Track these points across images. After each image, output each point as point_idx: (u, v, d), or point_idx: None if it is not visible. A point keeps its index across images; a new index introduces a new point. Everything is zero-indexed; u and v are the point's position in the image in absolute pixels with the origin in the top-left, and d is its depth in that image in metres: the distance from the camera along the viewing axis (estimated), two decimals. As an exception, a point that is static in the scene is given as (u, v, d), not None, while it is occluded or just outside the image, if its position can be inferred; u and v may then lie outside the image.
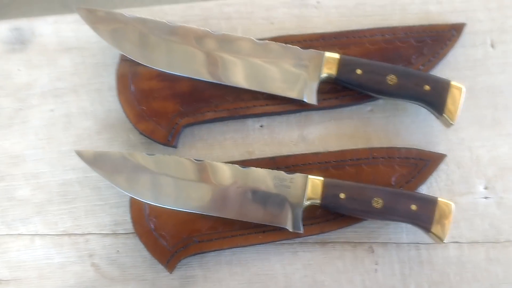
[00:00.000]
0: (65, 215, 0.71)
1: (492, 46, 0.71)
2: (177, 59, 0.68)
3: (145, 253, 0.67)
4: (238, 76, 0.68)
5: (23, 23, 0.75)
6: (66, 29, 0.74)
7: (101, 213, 0.71)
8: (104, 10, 0.69)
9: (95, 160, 0.66)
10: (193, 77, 0.68)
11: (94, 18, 0.69)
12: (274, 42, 0.68)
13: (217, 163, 0.66)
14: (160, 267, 0.67)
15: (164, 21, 0.69)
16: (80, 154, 0.66)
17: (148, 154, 0.66)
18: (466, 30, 0.71)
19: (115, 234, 0.70)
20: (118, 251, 0.70)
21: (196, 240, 0.66)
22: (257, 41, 0.68)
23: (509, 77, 0.71)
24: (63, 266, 0.70)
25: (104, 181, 0.68)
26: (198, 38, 0.68)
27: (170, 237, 0.66)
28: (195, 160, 0.66)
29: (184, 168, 0.66)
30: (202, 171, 0.65)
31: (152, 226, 0.66)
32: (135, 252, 0.69)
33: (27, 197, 0.71)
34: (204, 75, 0.68)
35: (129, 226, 0.68)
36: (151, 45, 0.68)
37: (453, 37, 0.69)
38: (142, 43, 0.68)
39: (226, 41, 0.68)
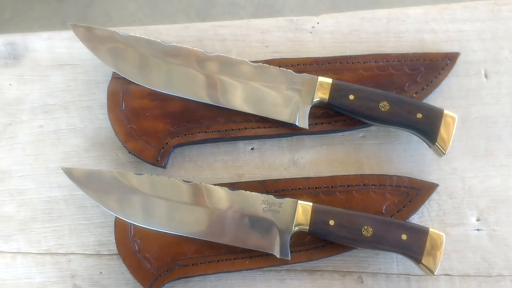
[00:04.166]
0: (48, 233, 0.69)
1: (486, 76, 0.71)
2: (176, 81, 0.68)
3: (129, 275, 0.66)
4: (236, 98, 0.67)
5: (17, 38, 0.75)
6: (59, 45, 0.74)
7: (86, 232, 0.69)
8: (100, 28, 0.69)
9: (83, 179, 0.65)
10: (191, 98, 0.68)
11: (90, 37, 0.69)
12: (267, 65, 0.68)
13: (208, 185, 0.65)
14: (143, 290, 0.65)
15: (158, 40, 0.69)
16: (68, 172, 0.65)
17: (135, 174, 0.65)
18: (460, 60, 0.71)
19: (98, 254, 0.69)
20: (101, 272, 0.68)
21: (181, 263, 0.65)
22: (251, 63, 0.68)
23: (503, 108, 0.70)
24: (44, 286, 0.68)
25: (90, 200, 0.67)
26: (196, 60, 0.68)
27: (154, 259, 0.64)
28: (184, 181, 0.65)
29: (176, 190, 0.64)
30: (194, 193, 0.64)
31: (136, 247, 0.65)
32: (119, 274, 0.68)
33: (11, 213, 0.70)
34: (203, 97, 0.67)
35: (114, 247, 0.67)
36: (149, 66, 0.68)
37: (447, 66, 0.69)
38: (140, 64, 0.68)
39: (223, 64, 0.68)
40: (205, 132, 0.68)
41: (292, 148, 0.70)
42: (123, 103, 0.69)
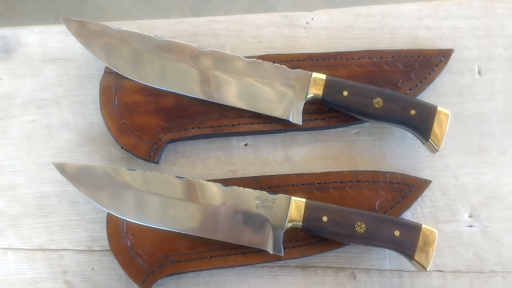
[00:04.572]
0: (40, 229, 0.69)
1: (479, 73, 0.71)
2: (169, 76, 0.67)
3: (121, 271, 0.65)
4: (230, 94, 0.67)
5: (9, 32, 0.74)
6: (51, 39, 0.74)
7: (77, 228, 0.69)
8: (93, 23, 0.69)
9: (75, 175, 0.64)
10: (184, 94, 0.67)
11: (83, 31, 0.69)
12: (261, 60, 0.68)
13: (202, 180, 0.64)
14: (136, 286, 0.65)
15: (151, 35, 0.69)
16: (59, 167, 0.65)
17: (128, 169, 0.65)
18: (453, 57, 0.71)
19: (90, 250, 0.68)
20: (93, 268, 0.68)
21: (173, 260, 0.64)
22: (245, 59, 0.68)
23: (496, 105, 0.70)
24: (35, 283, 0.68)
25: (82, 196, 0.66)
26: (189, 55, 0.68)
27: (147, 255, 0.64)
28: (177, 176, 0.65)
29: (169, 186, 0.64)
30: (187, 189, 0.64)
31: (129, 243, 0.64)
32: (111, 270, 0.67)
33: (1, 209, 0.70)
34: (196, 93, 0.67)
35: (106, 243, 0.66)
36: (142, 61, 0.68)
37: (441, 63, 0.69)
38: (133, 59, 0.68)
39: (217, 59, 0.68)
40: (199, 127, 0.68)
41: (286, 144, 0.70)
42: (116, 98, 0.68)
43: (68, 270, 0.68)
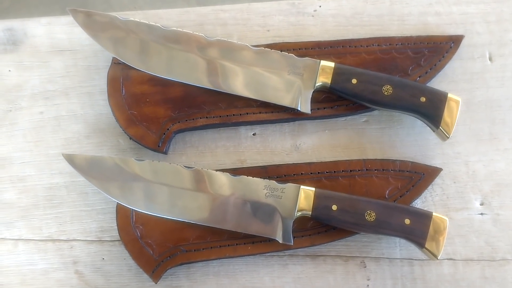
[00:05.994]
0: (50, 220, 0.69)
1: (490, 59, 0.70)
2: (177, 66, 0.67)
3: (131, 261, 0.66)
4: (238, 83, 0.67)
5: (16, 23, 0.74)
6: (59, 30, 0.73)
7: (87, 219, 0.69)
8: (99, 13, 0.68)
9: (84, 166, 0.65)
10: (192, 84, 0.67)
11: (90, 22, 0.68)
12: (269, 49, 0.67)
13: (210, 170, 0.64)
14: (146, 276, 0.65)
15: (158, 25, 0.68)
16: (69, 158, 0.65)
17: (137, 160, 0.65)
18: (464, 43, 0.70)
19: (100, 241, 0.68)
20: (103, 258, 0.68)
21: (183, 249, 0.64)
22: (253, 48, 0.68)
23: (507, 91, 0.69)
24: (46, 273, 0.68)
25: (92, 186, 0.67)
26: (197, 45, 0.67)
27: (157, 245, 0.64)
28: (185, 166, 0.65)
29: (178, 176, 0.64)
30: (196, 179, 0.64)
31: (138, 233, 0.65)
32: (121, 260, 0.68)
33: (12, 200, 0.70)
34: (204, 82, 0.67)
35: (115, 233, 0.67)
36: (150, 51, 0.67)
37: (451, 49, 0.68)
38: (140, 49, 0.67)
39: (225, 48, 0.67)
40: (207, 117, 0.68)
41: (294, 133, 0.70)
42: (124, 88, 0.68)
43: (78, 261, 0.68)
